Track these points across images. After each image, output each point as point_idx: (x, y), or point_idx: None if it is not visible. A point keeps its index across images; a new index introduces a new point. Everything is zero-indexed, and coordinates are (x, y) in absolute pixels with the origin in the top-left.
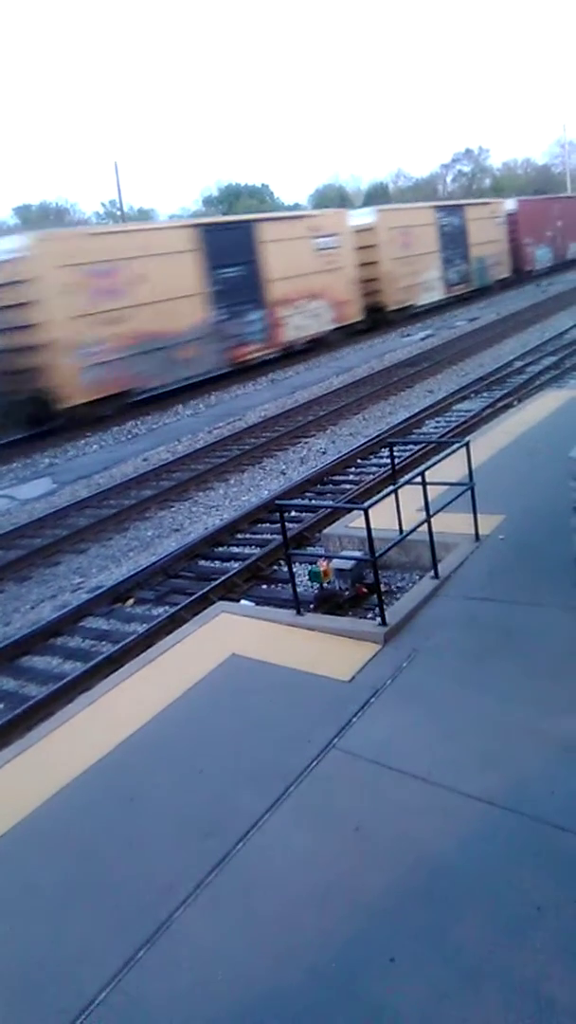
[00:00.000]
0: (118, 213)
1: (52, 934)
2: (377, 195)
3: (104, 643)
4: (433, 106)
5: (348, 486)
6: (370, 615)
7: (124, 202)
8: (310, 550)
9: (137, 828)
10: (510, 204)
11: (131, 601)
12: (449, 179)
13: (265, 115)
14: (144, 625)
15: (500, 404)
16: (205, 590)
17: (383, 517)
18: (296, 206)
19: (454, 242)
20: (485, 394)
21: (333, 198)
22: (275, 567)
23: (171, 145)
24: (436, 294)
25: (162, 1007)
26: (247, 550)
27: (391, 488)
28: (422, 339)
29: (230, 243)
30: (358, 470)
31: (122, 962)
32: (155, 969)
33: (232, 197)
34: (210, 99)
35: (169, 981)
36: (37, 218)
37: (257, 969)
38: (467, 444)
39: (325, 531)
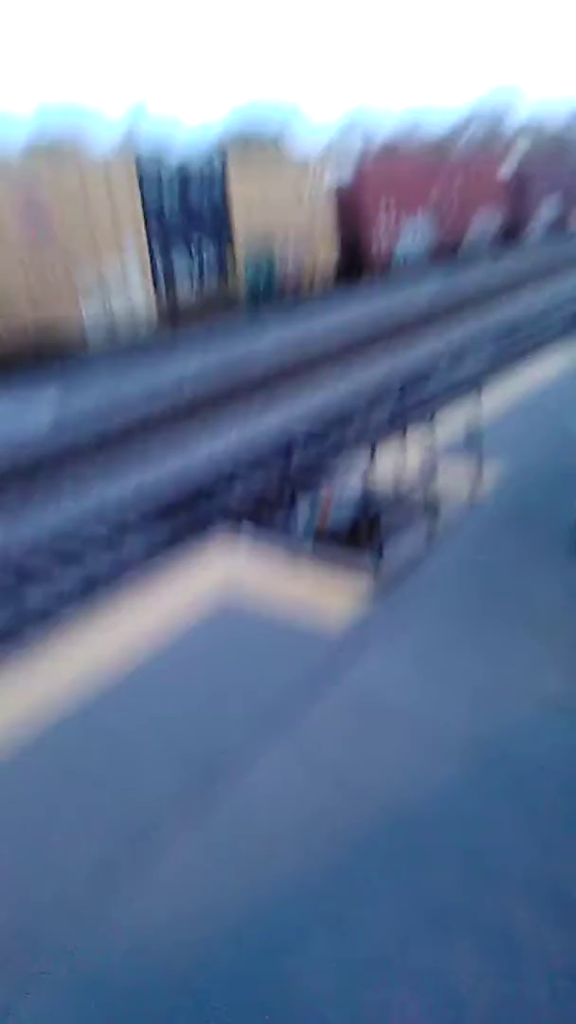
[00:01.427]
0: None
1: (38, 840)
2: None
3: (102, 554)
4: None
5: (358, 427)
6: (367, 560)
7: (149, 109)
8: (314, 487)
9: (124, 757)
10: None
11: (133, 517)
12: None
13: (296, 32)
14: (144, 541)
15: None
16: (206, 514)
17: (390, 461)
18: (322, 130)
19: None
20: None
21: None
22: (278, 500)
23: (200, 56)
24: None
25: (139, 920)
26: (252, 480)
27: (400, 432)
28: None
29: None
30: (370, 412)
31: (102, 871)
32: (136, 882)
33: (261, 114)
34: (245, 15)
35: (148, 900)
36: (61, 120)
37: (237, 897)
38: (478, 399)
39: (330, 469)
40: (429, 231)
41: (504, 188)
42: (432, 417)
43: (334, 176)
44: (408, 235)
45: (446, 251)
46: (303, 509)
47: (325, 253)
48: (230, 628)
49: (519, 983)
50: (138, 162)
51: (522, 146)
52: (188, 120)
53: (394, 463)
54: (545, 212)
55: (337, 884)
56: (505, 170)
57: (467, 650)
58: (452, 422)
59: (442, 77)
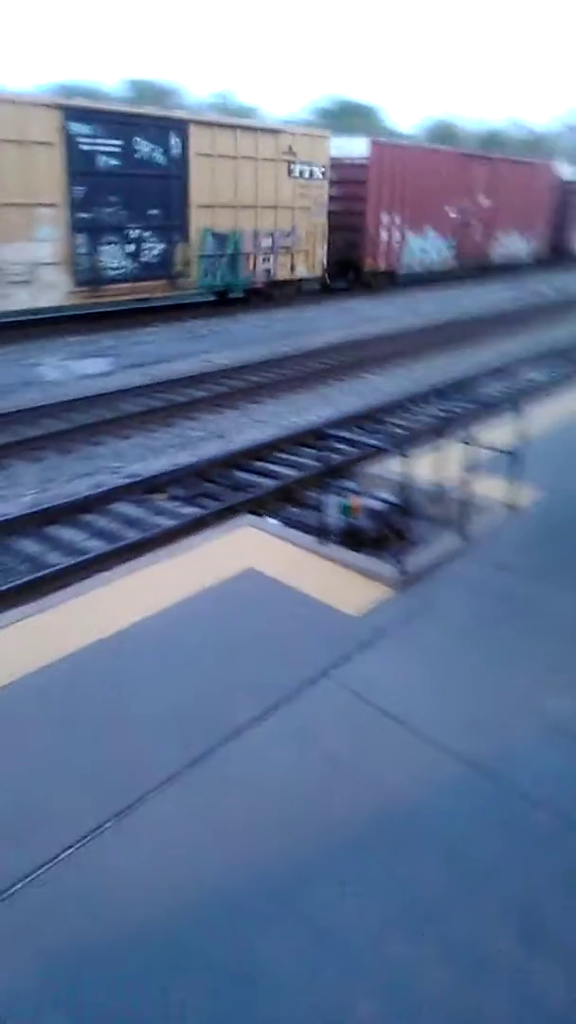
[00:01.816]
0: (226, 106)
1: (26, 790)
2: (492, 142)
3: (131, 529)
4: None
5: (397, 429)
6: (392, 559)
7: (233, 96)
8: (346, 483)
9: (125, 711)
10: (357, 146)
11: (163, 495)
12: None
13: (382, 32)
14: (172, 520)
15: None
16: (236, 500)
17: (424, 467)
18: (403, 135)
19: (136, 192)
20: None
21: (443, 136)
22: (308, 492)
23: (286, 47)
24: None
25: (116, 878)
26: (284, 470)
27: (438, 440)
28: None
29: None
30: (410, 415)
31: (89, 829)
32: (118, 843)
33: (343, 113)
34: (333, 11)
35: (127, 856)
36: (147, 97)
37: (213, 866)
38: (521, 411)
39: (364, 469)
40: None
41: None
42: (470, 427)
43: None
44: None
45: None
46: (331, 505)
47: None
48: (244, 604)
49: (481, 1000)
50: None
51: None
52: (269, 110)
53: (428, 469)
54: None
55: (313, 866)
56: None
57: (478, 661)
58: (492, 435)
59: (525, 94)
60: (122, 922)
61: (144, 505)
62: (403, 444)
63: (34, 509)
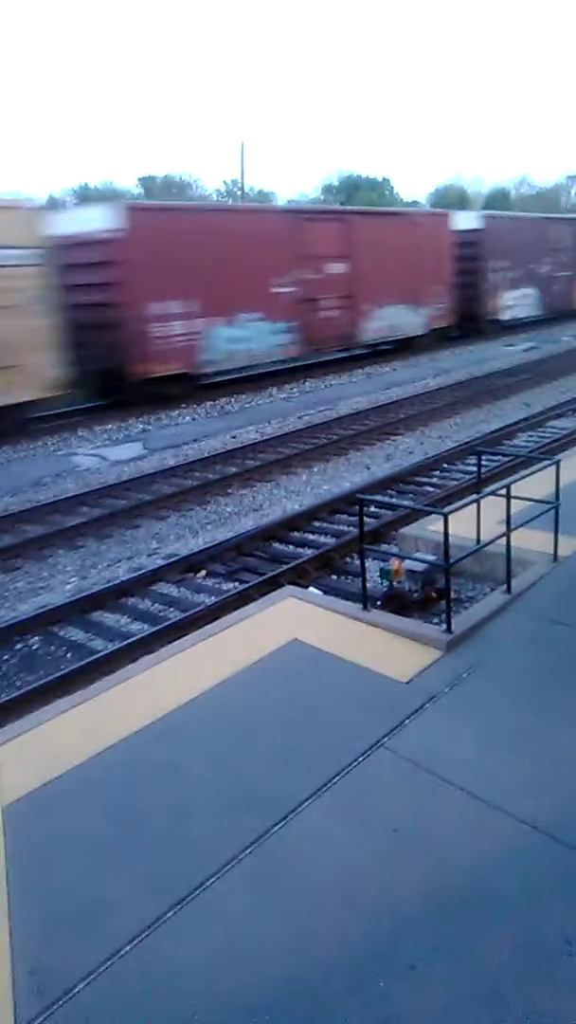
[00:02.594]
0: (238, 192)
1: (87, 881)
2: (497, 200)
3: (172, 609)
4: (568, 107)
5: (430, 489)
6: (436, 621)
7: (245, 182)
8: (384, 547)
9: (180, 794)
10: (96, 217)
11: (203, 573)
12: (574, 191)
13: (390, 107)
14: (212, 597)
15: None
16: (275, 572)
17: (462, 525)
18: (415, 203)
19: None
20: None
21: (453, 199)
22: (347, 559)
23: (295, 131)
24: None
25: (182, 971)
26: (322, 539)
27: (474, 497)
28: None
29: None
30: (443, 474)
31: (150, 921)
32: (180, 933)
33: (351, 188)
34: (336, 88)
35: (191, 947)
36: (160, 190)
37: (278, 952)
38: (557, 462)
39: (402, 531)
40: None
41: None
42: (507, 482)
43: None
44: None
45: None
46: (373, 572)
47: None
48: (292, 678)
49: None
50: None
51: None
52: (282, 192)
53: (468, 528)
54: None
55: (382, 949)
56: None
57: (533, 718)
58: (530, 491)
59: (534, 152)
60: (186, 1017)
61: (184, 584)
62: (441, 504)
63: (76, 596)
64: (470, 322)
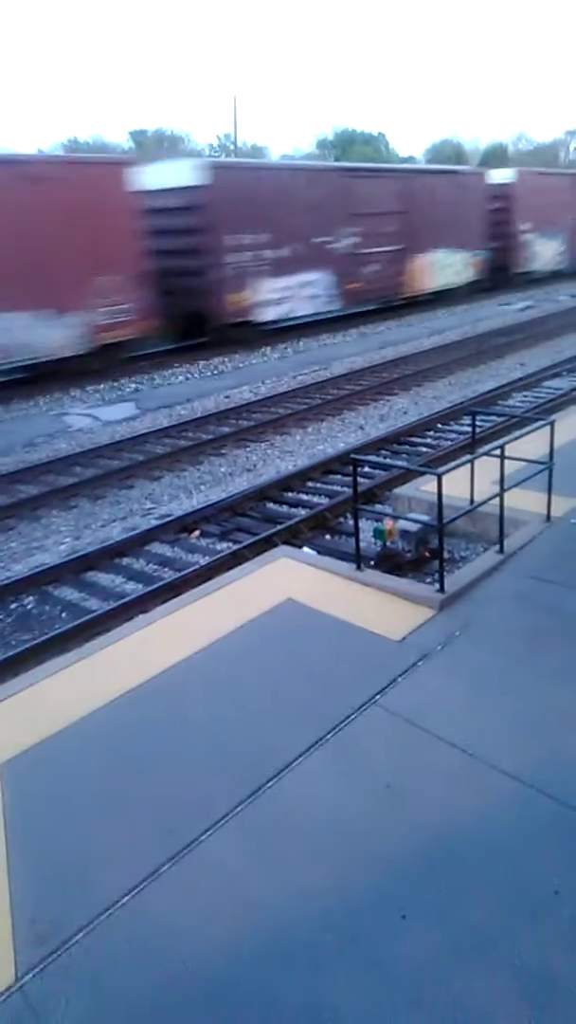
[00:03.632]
0: (231, 147)
1: (84, 835)
2: (495, 156)
3: (167, 569)
4: (566, 63)
5: (424, 449)
6: (429, 580)
7: (238, 137)
8: (378, 507)
9: (176, 750)
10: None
11: (197, 533)
12: (573, 146)
13: (385, 62)
14: (207, 557)
15: None
16: (270, 532)
17: (456, 485)
18: (411, 159)
19: None
20: None
21: (450, 155)
22: (341, 519)
23: (289, 85)
24: None
25: (177, 921)
26: (316, 499)
27: (468, 457)
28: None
29: None
30: (437, 435)
31: (147, 873)
32: (176, 885)
33: (346, 143)
34: (330, 41)
35: (187, 899)
36: (152, 144)
37: (272, 904)
38: (551, 423)
39: (395, 491)
40: None
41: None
42: (501, 443)
43: None
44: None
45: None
46: (366, 532)
47: None
48: (287, 636)
49: None
50: None
51: None
52: (276, 147)
53: (462, 489)
54: None
55: (373, 899)
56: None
57: (525, 676)
58: (525, 451)
59: (532, 109)
60: (182, 965)
61: (178, 544)
62: (435, 464)
63: (71, 556)
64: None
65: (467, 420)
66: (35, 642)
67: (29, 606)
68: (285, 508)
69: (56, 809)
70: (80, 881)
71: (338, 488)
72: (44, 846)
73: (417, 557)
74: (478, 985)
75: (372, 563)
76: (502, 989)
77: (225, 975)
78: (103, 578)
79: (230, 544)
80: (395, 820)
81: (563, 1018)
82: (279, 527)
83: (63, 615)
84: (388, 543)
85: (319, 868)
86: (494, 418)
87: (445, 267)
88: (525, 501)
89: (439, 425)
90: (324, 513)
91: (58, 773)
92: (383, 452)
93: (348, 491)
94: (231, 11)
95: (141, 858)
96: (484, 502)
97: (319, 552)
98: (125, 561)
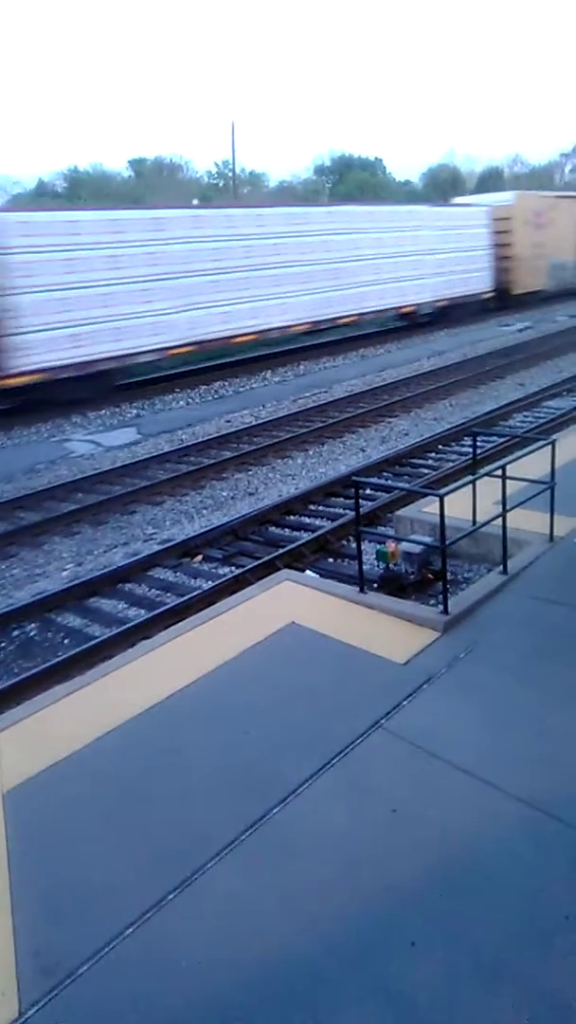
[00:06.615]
0: (230, 174)
1: (88, 864)
2: (491, 180)
3: (169, 594)
4: (560, 86)
5: (426, 471)
6: (433, 602)
7: (236, 163)
8: (380, 529)
9: (180, 777)
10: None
11: (199, 557)
12: (568, 168)
13: (381, 85)
14: (209, 582)
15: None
16: (272, 556)
17: (458, 506)
18: (407, 183)
19: None
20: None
21: (446, 179)
22: (343, 542)
23: (286, 110)
24: None
25: (183, 951)
26: (318, 522)
27: (470, 478)
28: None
29: None
30: (438, 456)
31: (152, 902)
32: (182, 913)
33: (344, 168)
34: (327, 66)
35: (193, 927)
36: (151, 173)
37: (279, 932)
38: (552, 442)
39: (397, 513)
40: None
41: None
42: (503, 463)
43: None
44: None
45: None
46: (369, 555)
47: None
48: (290, 661)
49: None
50: None
51: None
52: (274, 173)
53: (464, 508)
54: None
55: (382, 927)
56: None
57: (530, 697)
58: (524, 469)
59: (529, 130)
60: (189, 996)
61: (181, 569)
62: (437, 485)
63: (72, 583)
64: None
65: (468, 441)
66: (37, 670)
67: (31, 633)
68: (287, 531)
69: (60, 838)
70: (84, 911)
71: (340, 511)
72: (48, 875)
73: (420, 579)
74: (489, 1013)
75: (375, 585)
76: (513, 1017)
77: (233, 1005)
78: (105, 604)
79: (232, 568)
80: (402, 845)
81: None
82: (281, 551)
83: (65, 642)
84: (391, 565)
85: (326, 895)
86: (495, 439)
87: None
88: (527, 521)
89: (440, 446)
90: (326, 536)
91: (62, 801)
92: (385, 474)
93: (350, 513)
94: (228, 37)
95: (146, 887)
96: (486, 523)
97: (322, 575)
98: (128, 587)
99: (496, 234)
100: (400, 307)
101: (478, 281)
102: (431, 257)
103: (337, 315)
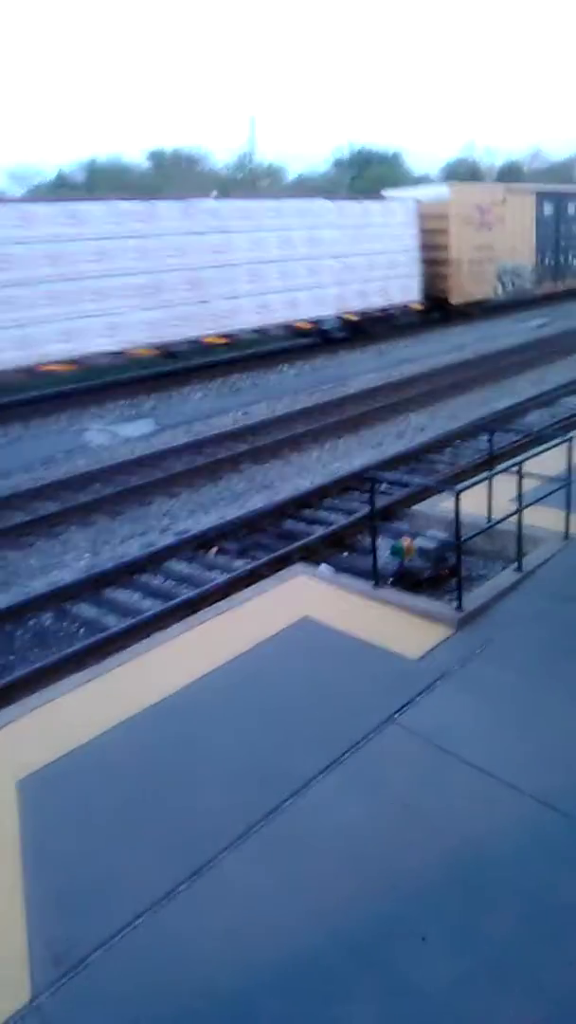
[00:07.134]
0: (249, 167)
1: (101, 853)
2: (511, 175)
3: (184, 586)
4: None
5: (442, 466)
6: (447, 598)
7: (256, 156)
8: (396, 525)
9: (192, 769)
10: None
11: (215, 550)
12: None
13: (403, 77)
14: (224, 575)
15: None
16: (287, 549)
17: (473, 502)
18: (426, 178)
19: None
20: None
21: (465, 173)
22: (358, 537)
23: (306, 102)
24: None
25: (194, 942)
26: (333, 515)
27: (486, 474)
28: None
29: None
30: (454, 452)
31: (163, 892)
32: (193, 905)
33: (363, 162)
34: (347, 57)
35: (204, 919)
36: (170, 165)
37: (289, 924)
38: (571, 439)
39: (413, 508)
40: None
41: None
42: (519, 460)
43: None
44: None
45: None
46: (384, 550)
47: None
48: (303, 655)
49: None
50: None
51: None
52: (293, 165)
53: (479, 506)
54: None
55: (392, 922)
56: None
57: (544, 695)
58: (541, 466)
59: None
60: (199, 987)
61: (196, 561)
62: (452, 481)
63: (89, 573)
64: None
65: (484, 437)
66: (52, 660)
67: (47, 623)
68: (303, 525)
69: (72, 827)
70: (96, 901)
71: (355, 505)
72: (60, 865)
73: (435, 575)
74: (499, 1008)
75: (390, 581)
76: (524, 1011)
77: (243, 998)
78: (121, 594)
79: (247, 561)
80: (413, 840)
81: None
82: (296, 544)
83: (80, 632)
84: (406, 561)
85: (337, 889)
86: (512, 435)
87: None
88: (543, 519)
89: (456, 442)
90: (341, 531)
91: (75, 791)
92: (400, 469)
93: (365, 508)
94: (248, 28)
95: (157, 878)
96: (502, 520)
97: (337, 570)
98: (143, 578)
99: (428, 234)
100: (291, 322)
101: (402, 290)
102: (335, 261)
103: (198, 335)
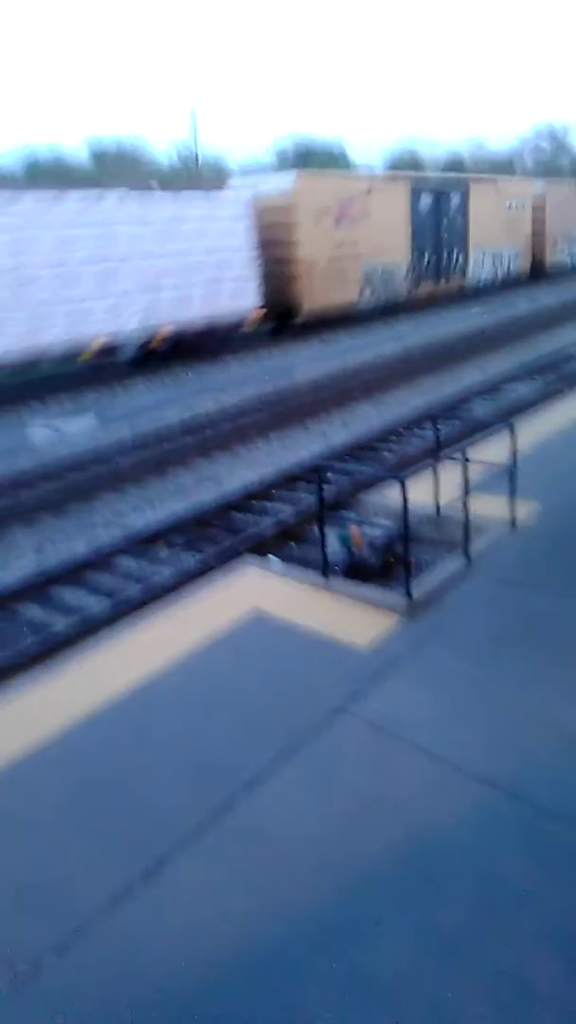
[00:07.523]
0: (190, 157)
1: (50, 857)
2: (453, 165)
3: (131, 583)
4: (525, 67)
5: (388, 455)
6: (397, 587)
7: (197, 148)
8: (343, 515)
9: (144, 767)
10: None
11: (163, 545)
12: (525, 155)
13: (344, 66)
14: (172, 569)
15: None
16: (235, 542)
17: (420, 491)
18: (368, 167)
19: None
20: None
21: (407, 162)
22: (306, 526)
23: (245, 91)
24: None
25: (150, 940)
26: (281, 506)
27: (430, 461)
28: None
29: None
30: (400, 440)
31: (117, 892)
32: (147, 903)
33: (305, 154)
34: (288, 46)
35: (159, 917)
36: (111, 157)
37: (246, 917)
38: (511, 425)
39: (361, 497)
40: None
41: None
42: (465, 449)
43: None
44: None
45: None
46: (332, 541)
47: None
48: (254, 648)
49: None
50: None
51: None
52: (234, 156)
53: (426, 495)
54: None
55: (347, 908)
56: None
57: (491, 680)
58: (486, 455)
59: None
60: (157, 985)
61: (144, 557)
62: (399, 470)
63: (33, 574)
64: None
65: (430, 426)
66: None
67: None
68: (251, 517)
69: (23, 831)
70: (49, 903)
71: (303, 495)
72: (11, 869)
73: (383, 564)
74: (452, 989)
75: (339, 572)
76: (476, 992)
77: (201, 992)
78: (67, 593)
79: (196, 555)
80: (367, 828)
81: (535, 1019)
82: (244, 536)
83: (27, 632)
84: (354, 550)
85: (292, 880)
86: (457, 423)
87: None
88: (489, 506)
89: (402, 431)
90: (289, 522)
91: (23, 795)
92: (348, 459)
93: (313, 499)
94: (188, 16)
95: (111, 877)
96: (448, 507)
97: (285, 562)
98: (90, 576)
99: (272, 229)
100: (75, 341)
101: (233, 298)
102: (134, 265)
103: None
